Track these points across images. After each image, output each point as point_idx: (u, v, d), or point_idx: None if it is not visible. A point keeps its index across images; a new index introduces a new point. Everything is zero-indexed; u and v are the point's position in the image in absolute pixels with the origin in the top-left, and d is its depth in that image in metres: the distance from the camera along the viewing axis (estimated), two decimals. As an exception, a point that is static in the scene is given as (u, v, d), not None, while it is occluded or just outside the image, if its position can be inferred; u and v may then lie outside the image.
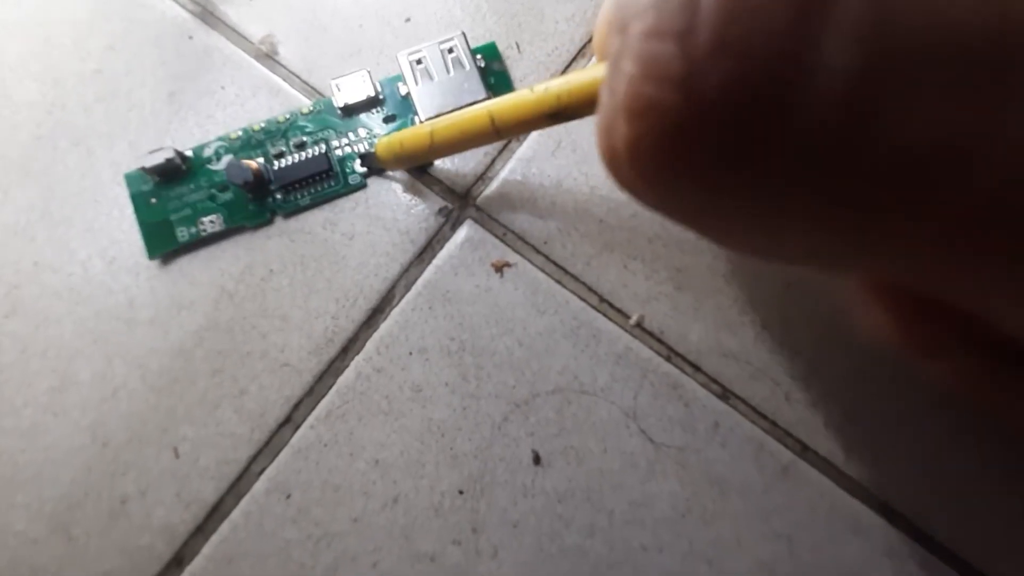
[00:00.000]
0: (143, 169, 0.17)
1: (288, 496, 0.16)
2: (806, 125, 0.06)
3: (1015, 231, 0.06)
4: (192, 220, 0.17)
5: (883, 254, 0.07)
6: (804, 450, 0.15)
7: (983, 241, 0.06)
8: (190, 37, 0.19)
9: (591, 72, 0.12)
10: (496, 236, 0.17)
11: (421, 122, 0.17)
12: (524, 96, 0.13)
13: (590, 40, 0.18)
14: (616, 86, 0.07)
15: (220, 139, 0.18)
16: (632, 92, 0.07)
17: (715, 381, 0.16)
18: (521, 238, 0.17)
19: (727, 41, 0.06)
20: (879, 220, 0.07)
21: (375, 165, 0.17)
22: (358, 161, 0.17)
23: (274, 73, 0.19)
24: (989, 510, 0.15)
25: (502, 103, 0.13)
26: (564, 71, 0.18)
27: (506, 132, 0.14)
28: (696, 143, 0.07)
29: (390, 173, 0.18)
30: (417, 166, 0.17)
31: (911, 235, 0.07)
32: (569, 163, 0.17)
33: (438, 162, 0.18)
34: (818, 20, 0.06)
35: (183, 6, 0.19)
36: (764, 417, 0.15)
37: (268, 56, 0.19)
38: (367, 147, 0.17)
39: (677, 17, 0.06)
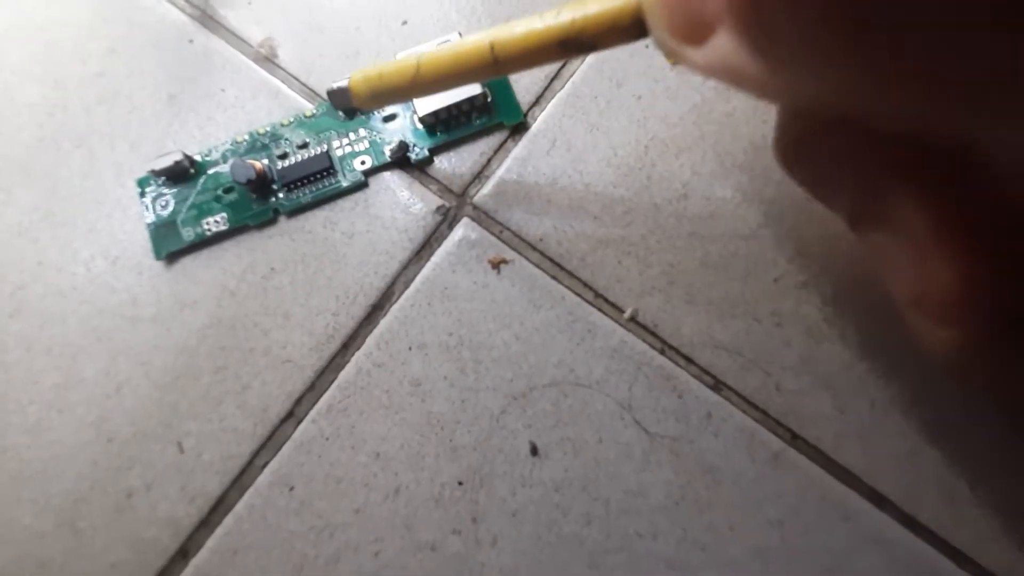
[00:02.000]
0: (152, 171, 0.17)
1: (291, 489, 0.16)
2: None
3: None
4: (197, 220, 0.17)
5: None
6: (794, 439, 0.16)
7: None
8: (190, 40, 0.20)
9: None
10: (493, 234, 0.17)
11: (419, 118, 0.17)
12: (531, 23, 0.11)
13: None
14: None
15: (228, 142, 0.18)
16: None
17: (707, 373, 0.16)
18: (517, 235, 0.17)
19: None
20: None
21: (348, 103, 0.15)
22: (359, 160, 0.18)
23: (273, 76, 0.19)
24: (975, 495, 0.15)
25: (505, 30, 0.11)
26: (559, 71, 0.19)
27: (507, 65, 0.12)
28: None
29: (388, 174, 0.18)
30: (395, 103, 0.15)
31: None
32: (564, 162, 0.18)
33: (436, 161, 0.18)
34: None
35: (183, 10, 0.20)
36: (755, 407, 0.16)
37: (267, 59, 0.19)
38: (367, 146, 0.18)
39: None
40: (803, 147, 0.10)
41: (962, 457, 0.15)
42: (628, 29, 0.10)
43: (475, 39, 0.12)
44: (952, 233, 0.09)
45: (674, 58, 0.10)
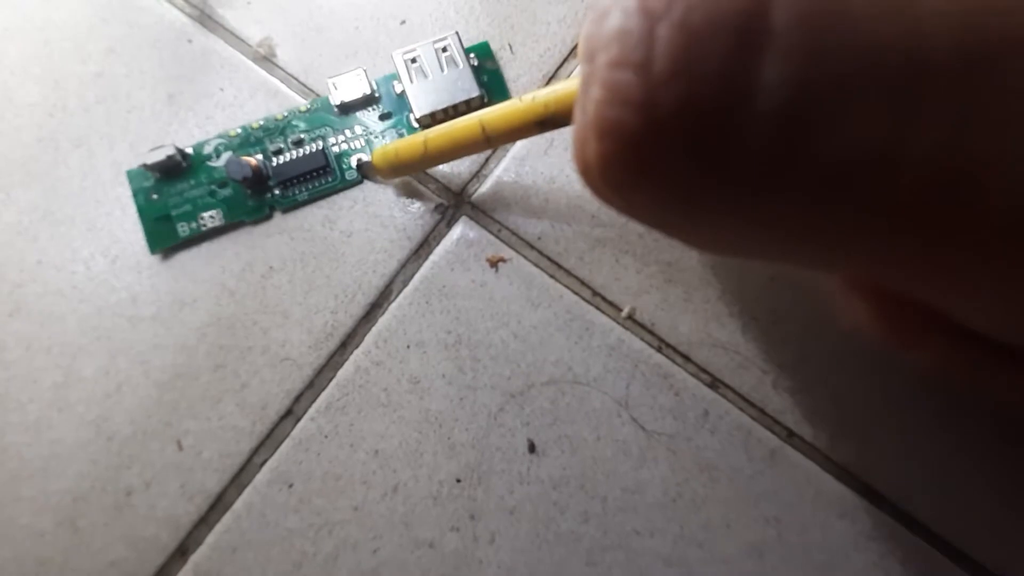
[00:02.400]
0: (144, 166, 0.17)
1: (290, 486, 0.16)
2: (749, 141, 0.07)
3: (939, 228, 0.07)
4: (192, 216, 0.17)
5: (833, 255, 0.08)
6: (790, 436, 0.16)
7: (914, 239, 0.07)
8: (189, 40, 0.20)
9: (576, 82, 0.12)
10: (491, 232, 0.18)
11: (416, 119, 0.17)
12: (514, 105, 0.13)
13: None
14: (586, 108, 0.08)
15: (220, 136, 0.18)
16: (599, 114, 0.08)
17: (704, 371, 0.16)
18: (515, 234, 0.18)
19: (678, 69, 0.07)
20: (821, 228, 0.07)
21: (371, 175, 0.18)
22: (355, 158, 0.18)
23: (272, 75, 0.19)
24: (970, 491, 0.15)
25: (492, 112, 0.14)
26: (556, 71, 0.19)
27: (496, 140, 0.14)
28: (656, 158, 0.08)
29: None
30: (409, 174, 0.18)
31: (851, 239, 0.07)
32: (561, 161, 0.18)
33: (434, 160, 0.18)
34: (756, 49, 0.07)
35: (181, 10, 0.20)
36: (752, 405, 0.16)
37: (266, 58, 0.19)
38: (363, 144, 0.18)
39: (637, 49, 0.07)
40: None
41: (957, 454, 0.15)
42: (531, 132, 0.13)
43: (467, 120, 0.14)
44: (862, 284, 0.10)
45: None
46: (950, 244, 0.07)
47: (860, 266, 0.08)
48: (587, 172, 0.09)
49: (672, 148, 0.07)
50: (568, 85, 0.12)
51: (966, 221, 0.07)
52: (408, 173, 0.17)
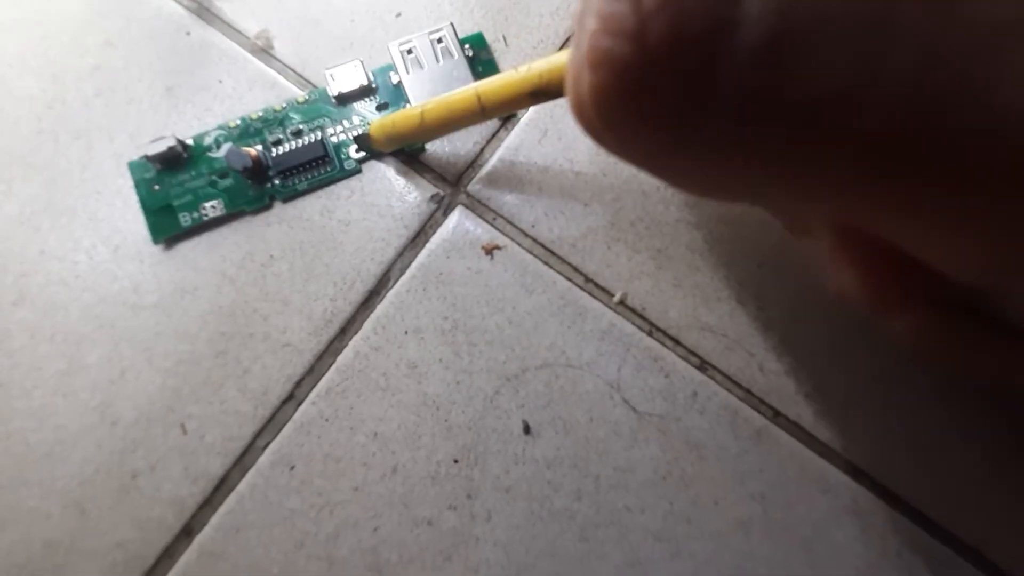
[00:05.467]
0: (146, 157, 0.18)
1: (292, 468, 0.16)
2: (733, 70, 0.07)
3: (901, 165, 0.07)
4: (194, 206, 0.18)
5: (808, 188, 0.08)
6: (776, 416, 0.16)
7: (881, 174, 0.07)
8: (187, 33, 0.20)
9: (568, 53, 0.13)
10: (486, 221, 0.18)
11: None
12: (509, 76, 0.14)
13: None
14: (580, 41, 0.08)
15: (220, 127, 0.18)
16: (593, 45, 0.08)
17: (694, 354, 0.17)
18: (510, 222, 0.18)
19: (668, 1, 0.07)
20: (798, 159, 0.08)
21: (369, 146, 0.18)
22: (353, 147, 0.18)
23: (269, 67, 0.19)
24: (950, 467, 0.16)
25: (488, 83, 0.14)
26: (549, 63, 0.19)
27: (492, 111, 0.14)
28: (647, 87, 0.08)
29: (383, 162, 0.18)
30: (409, 148, 0.18)
31: (823, 172, 0.08)
32: (555, 151, 0.18)
33: (430, 149, 0.19)
34: None
35: (179, 2, 0.20)
36: (739, 386, 0.16)
37: (263, 51, 0.20)
38: (360, 133, 0.18)
39: None
40: None
41: (936, 432, 0.16)
42: (525, 103, 0.13)
43: (464, 91, 0.15)
44: (848, 245, 0.10)
45: None
46: (915, 178, 0.07)
47: (834, 201, 0.09)
48: (581, 107, 0.09)
49: (662, 76, 0.08)
50: (561, 56, 0.13)
51: (928, 157, 0.07)
52: (405, 144, 0.18)
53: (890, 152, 0.07)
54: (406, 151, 0.18)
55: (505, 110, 0.15)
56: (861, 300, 0.11)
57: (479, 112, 0.14)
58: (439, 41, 0.18)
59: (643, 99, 0.08)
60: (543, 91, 0.13)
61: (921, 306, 0.10)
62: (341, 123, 0.18)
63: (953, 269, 0.09)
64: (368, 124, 0.18)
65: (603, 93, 0.08)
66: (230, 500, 0.16)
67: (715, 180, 0.09)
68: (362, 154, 0.18)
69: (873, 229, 0.09)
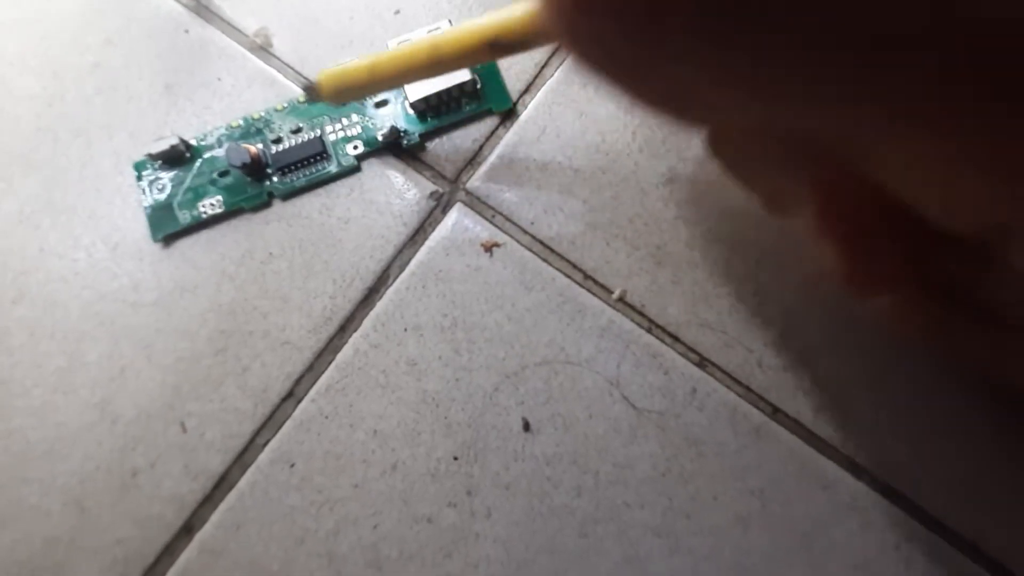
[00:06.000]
0: (149, 155, 0.18)
1: (292, 466, 0.16)
2: None
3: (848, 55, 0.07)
4: (193, 203, 0.18)
5: (767, 96, 0.08)
6: (775, 412, 0.16)
7: (831, 69, 0.07)
8: (186, 31, 0.20)
9: (529, 5, 0.12)
10: (485, 218, 0.18)
11: (411, 103, 0.18)
12: (468, 25, 0.13)
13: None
14: None
15: (222, 127, 0.18)
16: None
17: (693, 350, 0.17)
18: (509, 219, 0.18)
19: None
20: (758, 65, 0.07)
21: (317, 98, 0.17)
22: (352, 144, 0.18)
23: (268, 65, 0.19)
24: (949, 463, 0.16)
25: (446, 33, 0.14)
26: (548, 59, 0.19)
27: (449, 62, 0.14)
28: None
29: (381, 160, 0.18)
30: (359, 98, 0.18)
31: (779, 75, 0.07)
32: (554, 148, 0.18)
33: (428, 148, 0.19)
34: None
35: (178, 0, 0.20)
36: (738, 383, 0.16)
37: (262, 48, 0.20)
38: (360, 131, 0.18)
39: None
40: (725, 145, 0.12)
41: (933, 427, 0.16)
42: (545, 32, 0.12)
43: (419, 40, 0.14)
44: (830, 218, 0.10)
45: None
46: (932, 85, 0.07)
47: (784, 109, 0.08)
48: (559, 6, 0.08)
49: None
50: (522, 6, 0.12)
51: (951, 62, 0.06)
52: (355, 97, 0.17)
53: (912, 61, 0.07)
54: (403, 147, 0.18)
55: (463, 62, 0.14)
56: (843, 278, 0.11)
57: (435, 62, 0.14)
58: (438, 38, 0.18)
59: None
60: (504, 40, 0.13)
61: (903, 285, 0.10)
62: (340, 121, 0.18)
63: (960, 210, 0.08)
64: (367, 125, 0.18)
65: None
66: (230, 497, 0.16)
67: (680, 94, 0.09)
68: (360, 151, 0.18)
69: (870, 166, 0.08)
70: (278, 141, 0.18)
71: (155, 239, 0.18)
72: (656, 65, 0.08)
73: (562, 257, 0.18)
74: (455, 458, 0.16)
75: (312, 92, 0.17)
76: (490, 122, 0.19)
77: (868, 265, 0.10)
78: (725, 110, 0.09)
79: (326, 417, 0.17)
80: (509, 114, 0.19)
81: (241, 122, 0.18)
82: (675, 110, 0.10)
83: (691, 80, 0.08)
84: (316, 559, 0.16)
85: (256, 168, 0.18)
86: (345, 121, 0.18)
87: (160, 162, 0.18)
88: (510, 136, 0.19)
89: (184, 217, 0.18)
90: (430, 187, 0.18)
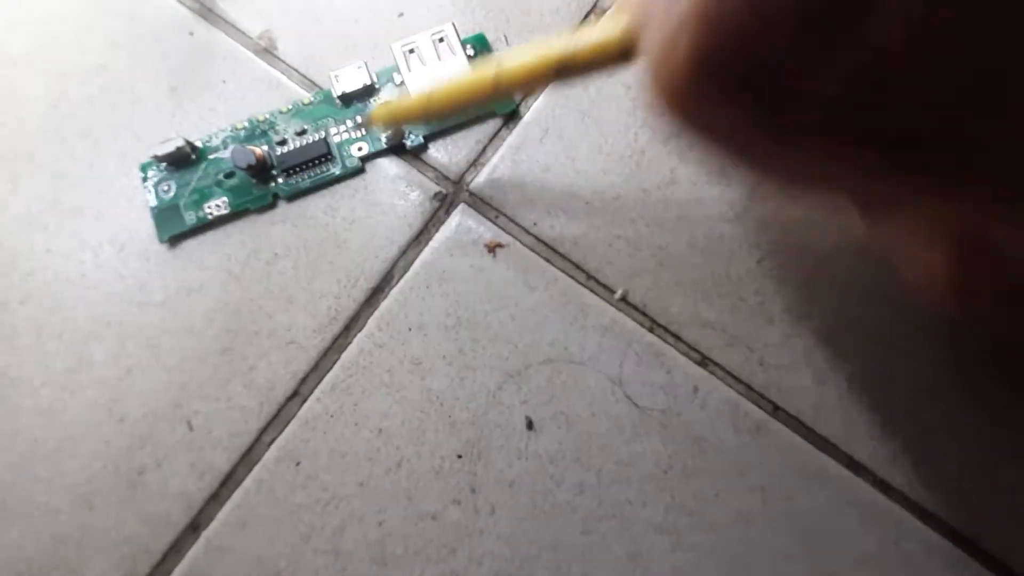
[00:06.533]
0: (155, 157, 0.18)
1: (297, 464, 0.17)
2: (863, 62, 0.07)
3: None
4: (199, 204, 0.18)
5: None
6: (776, 410, 0.16)
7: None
8: (191, 33, 0.20)
9: (602, 30, 0.12)
10: (489, 219, 0.18)
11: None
12: (532, 50, 0.13)
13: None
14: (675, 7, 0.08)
15: (228, 129, 0.19)
16: (704, 1, 0.07)
17: (694, 349, 0.17)
18: (512, 220, 0.18)
19: None
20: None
21: (370, 125, 0.17)
22: (356, 146, 0.18)
23: (273, 67, 0.20)
24: (947, 460, 0.16)
25: (507, 60, 0.13)
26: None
27: (508, 90, 0.14)
28: (760, 57, 0.07)
29: (386, 161, 0.19)
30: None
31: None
32: (556, 149, 0.18)
33: (432, 150, 0.19)
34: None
35: (182, 2, 0.20)
36: (739, 381, 0.17)
37: (267, 51, 0.20)
38: (363, 133, 0.18)
39: None
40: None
41: (931, 426, 0.16)
42: (617, 56, 0.12)
43: (481, 71, 0.14)
44: (940, 232, 0.10)
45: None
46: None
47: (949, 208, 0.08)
48: (669, 70, 0.08)
49: (779, 48, 0.07)
50: (594, 31, 0.12)
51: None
52: (412, 125, 0.17)
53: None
54: (406, 148, 0.18)
55: (524, 89, 0.14)
56: (946, 285, 0.10)
57: (496, 91, 0.14)
58: (441, 41, 0.18)
59: (753, 70, 0.07)
60: (571, 66, 0.12)
61: (1005, 294, 0.10)
62: (344, 123, 0.18)
63: None
64: (371, 138, 0.18)
65: (706, 53, 0.07)
66: (237, 495, 0.17)
67: (797, 171, 0.09)
68: (365, 152, 0.18)
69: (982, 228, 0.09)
70: (283, 143, 0.18)
71: (161, 240, 0.18)
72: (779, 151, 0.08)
73: (565, 257, 0.18)
74: (459, 456, 0.17)
75: (366, 123, 0.18)
76: (493, 124, 0.19)
77: (987, 274, 0.10)
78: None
79: (331, 416, 0.17)
80: (512, 116, 0.19)
81: (246, 124, 0.19)
82: (788, 184, 0.10)
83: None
84: (322, 556, 0.16)
85: (261, 170, 0.18)
86: (349, 123, 0.18)
87: (166, 164, 0.18)
88: (513, 138, 0.19)
89: (190, 218, 0.18)
90: (434, 188, 0.18)
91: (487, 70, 0.14)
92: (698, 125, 0.09)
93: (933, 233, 0.10)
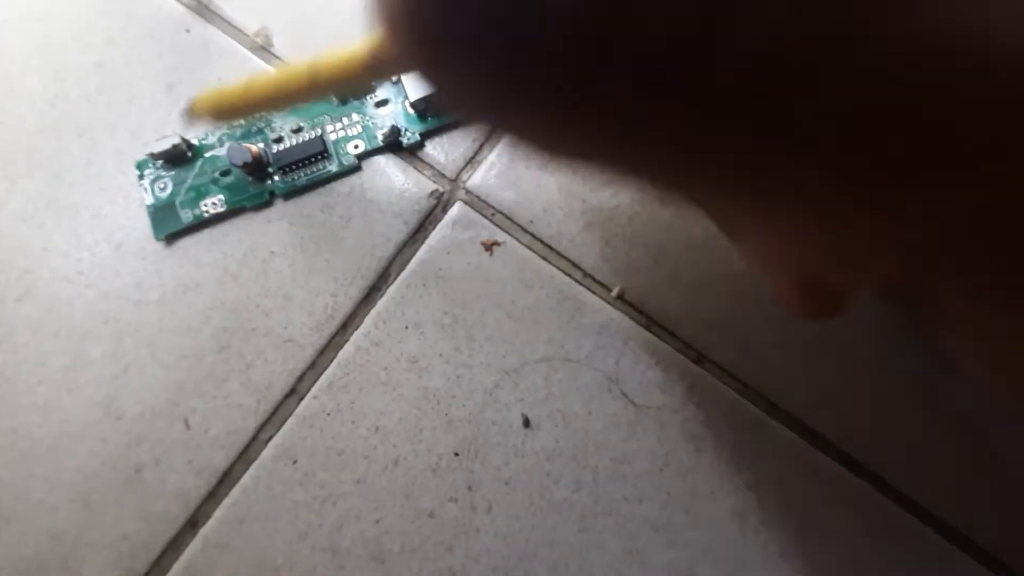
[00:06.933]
0: (151, 154, 0.18)
1: (295, 461, 0.17)
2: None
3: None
4: (195, 202, 0.18)
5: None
6: (772, 408, 0.16)
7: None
8: (187, 30, 0.20)
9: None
10: (485, 217, 0.18)
11: (412, 102, 0.18)
12: (343, 48, 0.13)
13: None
14: None
15: (224, 127, 0.19)
16: None
17: (691, 347, 0.17)
18: (509, 218, 0.18)
19: None
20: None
21: (193, 117, 0.16)
22: (353, 144, 0.18)
23: (269, 64, 0.20)
24: (942, 457, 0.16)
25: (323, 56, 0.14)
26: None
27: (325, 85, 0.14)
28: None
29: (382, 159, 0.18)
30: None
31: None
32: (553, 147, 0.18)
33: (428, 147, 0.19)
34: None
35: (179, 0, 0.20)
36: (735, 379, 0.17)
37: (263, 48, 0.20)
38: (360, 130, 0.18)
39: None
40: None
41: (926, 423, 0.16)
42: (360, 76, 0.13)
43: (296, 64, 0.14)
44: (774, 258, 0.10)
45: None
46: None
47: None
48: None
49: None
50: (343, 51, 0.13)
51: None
52: (235, 118, 0.17)
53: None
54: (403, 146, 0.18)
55: (341, 84, 0.14)
56: (796, 308, 0.11)
57: (313, 85, 0.14)
58: (438, 38, 0.18)
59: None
60: (378, 62, 0.13)
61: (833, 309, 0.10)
62: (341, 120, 0.18)
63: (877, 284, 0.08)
64: (368, 125, 0.18)
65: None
66: (234, 493, 0.17)
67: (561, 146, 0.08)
68: (361, 150, 0.18)
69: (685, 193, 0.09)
70: (279, 140, 0.18)
71: (158, 238, 0.18)
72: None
73: (561, 255, 0.18)
74: (456, 454, 0.17)
75: (189, 113, 0.16)
76: (490, 121, 0.19)
77: (818, 290, 0.10)
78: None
79: (328, 414, 0.17)
80: (509, 113, 0.19)
81: (242, 121, 0.19)
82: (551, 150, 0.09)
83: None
84: (319, 553, 0.16)
85: (258, 167, 0.18)
86: (346, 120, 0.18)
87: (162, 161, 0.18)
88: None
89: (186, 216, 0.18)
90: (430, 186, 0.18)
91: (303, 64, 0.14)
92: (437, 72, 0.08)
93: (772, 259, 0.10)
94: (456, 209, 0.18)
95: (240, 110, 0.16)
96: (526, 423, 0.17)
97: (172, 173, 0.18)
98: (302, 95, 0.15)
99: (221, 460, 0.17)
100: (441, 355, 0.17)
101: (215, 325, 0.18)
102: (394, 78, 0.18)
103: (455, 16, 0.07)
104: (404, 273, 0.18)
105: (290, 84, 0.14)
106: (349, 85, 0.15)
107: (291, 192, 0.18)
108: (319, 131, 0.18)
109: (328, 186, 0.18)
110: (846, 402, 0.16)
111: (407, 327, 0.17)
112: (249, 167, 0.18)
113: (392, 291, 0.18)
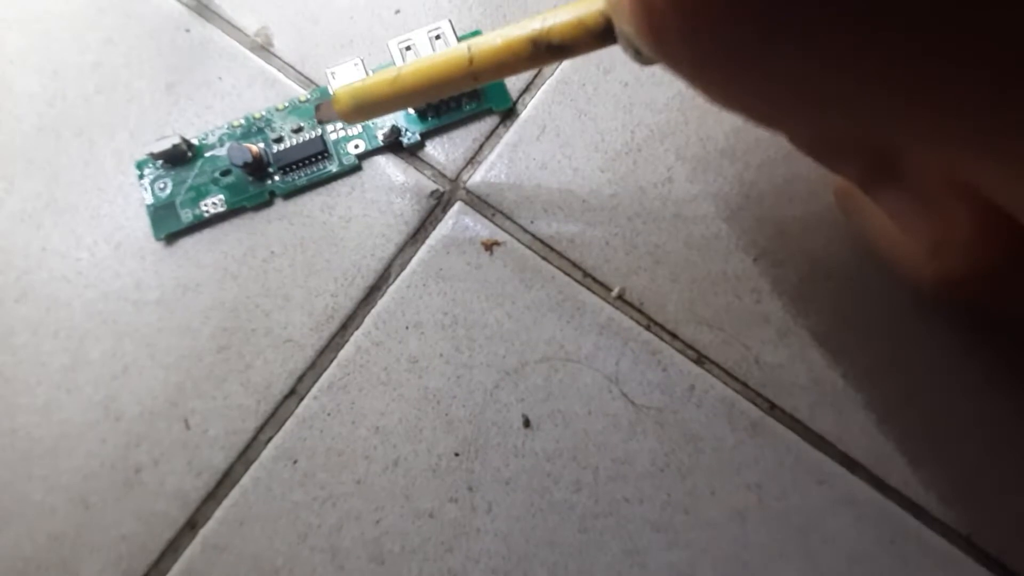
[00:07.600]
0: (151, 154, 0.18)
1: (295, 462, 0.17)
2: None
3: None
4: (195, 202, 0.18)
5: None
6: (772, 408, 0.16)
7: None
8: (187, 30, 0.20)
9: (581, 5, 0.11)
10: (485, 217, 0.18)
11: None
12: (507, 31, 0.12)
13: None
14: None
15: (224, 126, 0.19)
16: None
17: (691, 347, 0.17)
18: (509, 218, 0.18)
19: None
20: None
21: (332, 117, 0.15)
22: (353, 144, 0.18)
23: (269, 64, 0.20)
24: (942, 458, 0.16)
25: (481, 40, 0.12)
26: (547, 60, 0.19)
27: (484, 73, 0.12)
28: None
29: (383, 159, 0.18)
30: (385, 114, 0.16)
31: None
32: (553, 147, 0.18)
33: (429, 147, 0.19)
34: None
35: (179, 0, 0.20)
36: (735, 379, 0.17)
37: (263, 48, 0.20)
38: (360, 130, 0.18)
39: None
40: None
41: (927, 424, 0.16)
42: (598, 33, 0.11)
43: (452, 49, 0.13)
44: (960, 188, 0.10)
45: (642, 59, 0.11)
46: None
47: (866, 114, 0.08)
48: (652, 14, 0.08)
49: None
50: (570, 7, 0.11)
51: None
52: (376, 115, 0.15)
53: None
54: (403, 146, 0.18)
55: (502, 71, 0.13)
56: (958, 243, 0.10)
57: (469, 74, 0.12)
58: (437, 37, 0.18)
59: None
60: (549, 46, 0.11)
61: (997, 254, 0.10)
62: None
63: None
64: (368, 125, 0.18)
65: None
66: (234, 493, 0.17)
67: (778, 95, 0.09)
68: (361, 150, 0.18)
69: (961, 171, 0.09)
70: (279, 140, 0.18)
71: (157, 238, 0.18)
72: (754, 63, 0.08)
73: (561, 255, 0.18)
74: (456, 454, 0.17)
75: (324, 110, 0.15)
76: (490, 121, 0.19)
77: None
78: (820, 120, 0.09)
79: (328, 414, 0.17)
80: (509, 113, 0.19)
81: (242, 121, 0.19)
82: (765, 113, 0.09)
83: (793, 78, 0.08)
84: (319, 554, 0.16)
85: (258, 167, 0.18)
86: (346, 120, 0.18)
87: (162, 161, 0.18)
88: (510, 135, 0.19)
89: (186, 216, 0.18)
90: (431, 186, 0.18)
91: (461, 50, 0.13)
92: (678, 49, 0.08)
93: (941, 198, 0.10)
94: (456, 209, 0.18)
95: (385, 105, 0.14)
96: (526, 423, 0.17)
97: (172, 173, 0.18)
98: (458, 84, 0.13)
99: (220, 461, 0.17)
100: (441, 355, 0.17)
101: (215, 325, 0.18)
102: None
103: None
104: (404, 273, 0.18)
105: (445, 73, 0.13)
106: (511, 72, 0.13)
107: (291, 192, 0.18)
108: (319, 131, 0.18)
109: (328, 186, 0.18)
110: (847, 402, 0.16)
111: (407, 327, 0.17)
112: (249, 167, 0.17)
113: (392, 291, 0.18)
